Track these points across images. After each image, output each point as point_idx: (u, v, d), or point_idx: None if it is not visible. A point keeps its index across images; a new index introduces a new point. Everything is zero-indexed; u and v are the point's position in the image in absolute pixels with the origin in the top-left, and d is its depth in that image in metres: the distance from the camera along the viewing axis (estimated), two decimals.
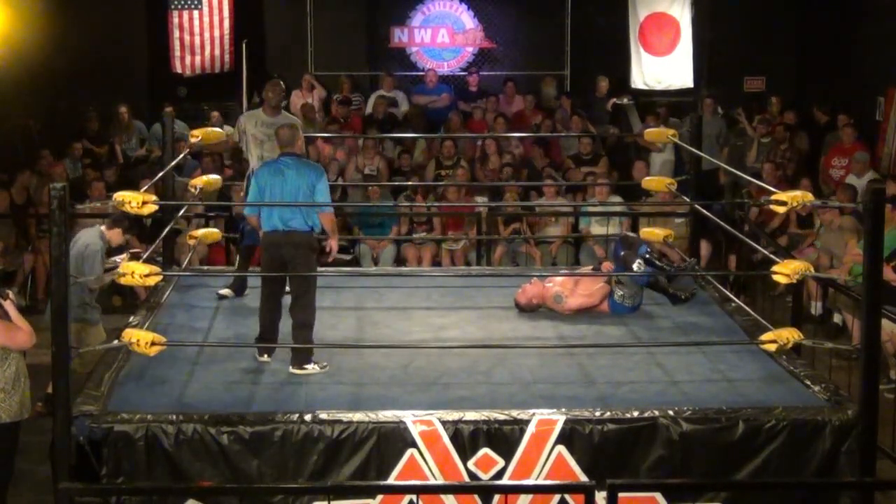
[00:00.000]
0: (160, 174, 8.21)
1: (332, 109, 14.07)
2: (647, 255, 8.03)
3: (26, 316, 6.50)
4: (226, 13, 15.02)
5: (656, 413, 6.07)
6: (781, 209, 6.44)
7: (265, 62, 15.65)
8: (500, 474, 5.99)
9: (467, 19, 15.80)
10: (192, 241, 8.87)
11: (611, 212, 11.44)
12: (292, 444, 5.96)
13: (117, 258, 7.87)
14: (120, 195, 6.22)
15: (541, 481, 5.98)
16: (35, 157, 12.64)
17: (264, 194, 6.96)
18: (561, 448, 5.99)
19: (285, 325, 7.00)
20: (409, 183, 12.07)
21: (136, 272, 6.15)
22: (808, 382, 6.56)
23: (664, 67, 14.83)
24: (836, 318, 10.11)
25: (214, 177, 8.51)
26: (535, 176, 12.38)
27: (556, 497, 6.07)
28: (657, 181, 8.82)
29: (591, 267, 8.72)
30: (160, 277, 6.34)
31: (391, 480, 5.95)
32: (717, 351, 7.05)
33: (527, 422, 5.99)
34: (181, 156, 8.98)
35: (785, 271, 6.23)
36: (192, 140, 8.38)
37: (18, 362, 6.37)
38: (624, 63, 14.88)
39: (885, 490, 6.93)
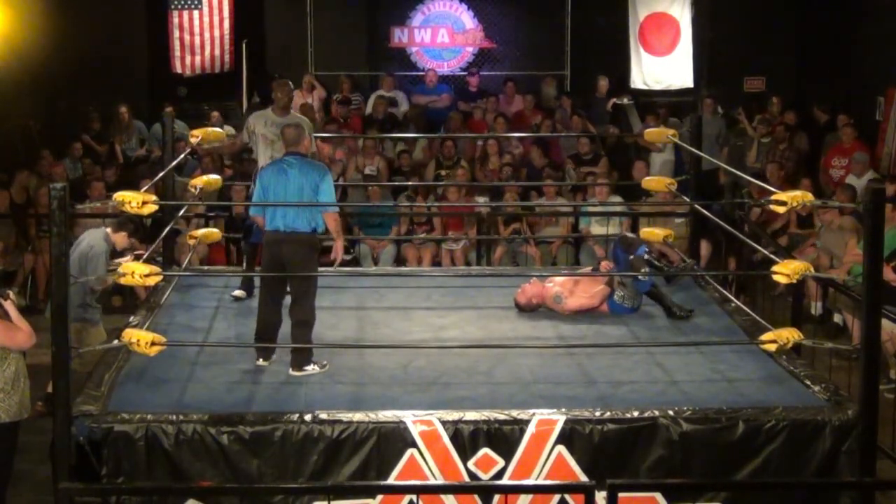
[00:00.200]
0: (160, 174, 8.20)
1: (332, 109, 14.07)
2: (647, 256, 8.03)
3: (26, 316, 6.50)
4: (226, 13, 15.03)
5: (656, 413, 6.07)
6: (781, 209, 6.44)
7: (265, 62, 15.67)
8: (500, 474, 5.99)
9: (467, 19, 15.81)
10: (192, 241, 8.87)
11: (611, 212, 11.44)
12: (292, 444, 5.96)
13: (121, 261, 7.87)
14: (120, 195, 6.22)
15: (541, 481, 5.98)
16: (35, 157, 12.65)
17: (268, 194, 6.94)
18: (561, 448, 5.99)
19: (285, 325, 7.00)
20: (409, 183, 12.07)
21: (136, 272, 6.15)
22: (808, 382, 6.56)
23: (664, 67, 14.84)
24: (836, 318, 10.11)
25: (214, 177, 8.51)
26: (534, 176, 12.39)
27: (556, 497, 6.07)
28: (657, 181, 8.81)
29: (590, 268, 8.71)
30: (160, 277, 6.34)
31: (391, 480, 5.95)
32: (717, 351, 7.05)
33: (527, 422, 5.99)
34: (182, 155, 8.97)
35: (785, 271, 6.23)
36: (192, 140, 8.38)
37: (18, 362, 6.37)
38: (624, 63, 14.89)
39: (885, 490, 6.93)
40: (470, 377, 6.70)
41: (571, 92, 15.01)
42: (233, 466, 5.96)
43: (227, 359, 6.92)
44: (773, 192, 6.53)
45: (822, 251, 10.50)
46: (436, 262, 11.55)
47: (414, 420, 5.98)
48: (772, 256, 6.75)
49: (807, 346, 6.85)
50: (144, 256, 6.77)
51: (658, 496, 5.95)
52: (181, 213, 9.00)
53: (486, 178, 12.49)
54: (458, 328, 7.66)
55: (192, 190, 8.10)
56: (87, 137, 13.62)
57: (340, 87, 14.47)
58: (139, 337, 6.18)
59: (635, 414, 6.07)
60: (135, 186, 8.81)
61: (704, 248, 10.57)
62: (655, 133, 9.23)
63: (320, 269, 8.09)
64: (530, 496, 6.05)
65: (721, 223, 8.18)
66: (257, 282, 8.28)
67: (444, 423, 5.98)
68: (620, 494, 5.02)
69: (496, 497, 5.97)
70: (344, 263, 10.94)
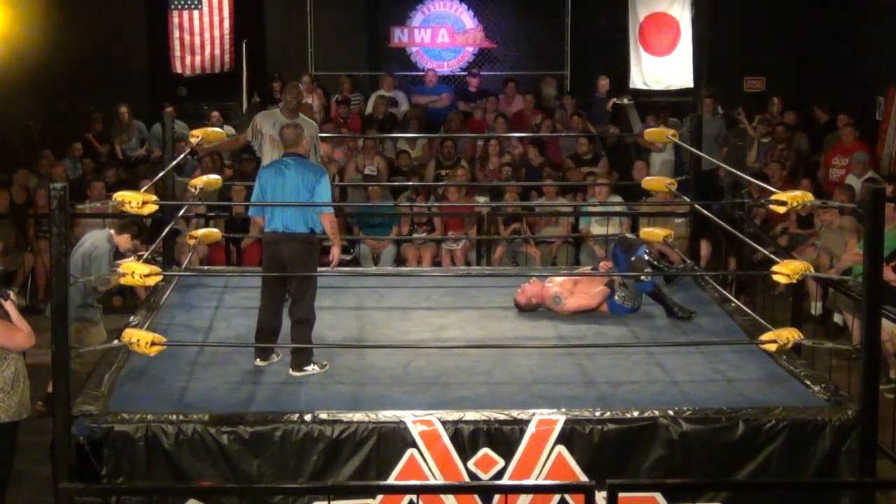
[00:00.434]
0: (160, 174, 8.20)
1: (332, 110, 14.07)
2: (647, 257, 8.03)
3: (26, 316, 6.50)
4: (226, 13, 15.03)
5: (656, 413, 6.07)
6: (781, 209, 6.44)
7: (265, 62, 15.67)
8: (500, 474, 5.99)
9: (467, 19, 15.81)
10: (192, 241, 8.87)
11: (611, 212, 11.44)
12: (292, 444, 5.96)
13: (124, 262, 7.88)
14: (120, 195, 6.22)
15: (541, 481, 5.98)
16: (35, 157, 12.65)
17: (266, 195, 6.96)
18: (561, 448, 5.99)
19: (285, 325, 7.00)
20: (409, 183, 12.07)
21: (136, 272, 6.15)
22: (808, 382, 6.56)
23: (664, 67, 14.83)
24: (836, 318, 10.12)
25: (214, 177, 8.50)
26: (532, 175, 12.38)
27: (556, 497, 6.07)
28: (657, 181, 8.81)
29: (589, 267, 8.70)
30: (160, 277, 6.34)
31: (391, 480, 5.95)
32: (717, 351, 7.05)
33: (527, 422, 5.99)
34: (181, 155, 8.97)
35: (785, 271, 6.22)
36: (193, 140, 8.38)
37: (17, 362, 6.37)
38: (624, 63, 14.88)
39: (885, 490, 6.94)
40: (470, 377, 6.70)
41: (571, 92, 15.01)
42: (233, 466, 5.96)
43: (227, 359, 6.92)
44: (773, 192, 6.53)
45: (822, 251, 10.50)
46: (436, 262, 11.56)
47: (414, 420, 5.98)
48: (772, 256, 6.74)
49: (807, 346, 6.85)
50: (144, 256, 6.77)
51: (658, 496, 5.95)
52: (181, 213, 8.99)
53: (486, 178, 12.49)
54: (458, 328, 7.66)
55: (192, 190, 8.10)
56: (89, 136, 13.62)
57: (340, 87, 14.47)
58: (139, 337, 6.17)
59: (635, 414, 6.07)
60: (135, 186, 8.84)
61: (704, 248, 10.57)
62: (655, 133, 9.23)
63: (320, 269, 8.10)
64: (530, 496, 6.05)
65: (721, 223, 8.17)
66: (254, 284, 8.29)
67: (444, 423, 5.98)
68: (620, 494, 5.02)
69: (496, 497, 5.97)
70: (344, 263, 11.00)
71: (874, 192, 5.91)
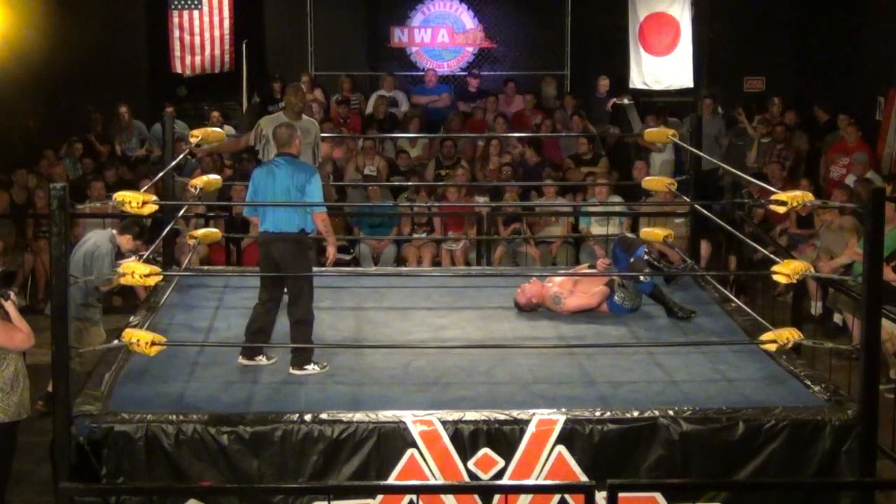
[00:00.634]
0: (160, 174, 8.21)
1: (332, 110, 14.07)
2: (646, 257, 8.03)
3: (26, 316, 6.50)
4: (226, 13, 15.04)
5: (656, 413, 6.07)
6: (781, 209, 6.44)
7: (265, 62, 15.67)
8: (500, 474, 5.99)
9: (467, 19, 15.81)
10: (192, 241, 8.87)
11: (611, 212, 11.45)
12: (292, 444, 5.96)
13: (126, 262, 7.88)
14: (120, 195, 6.22)
15: (541, 481, 5.98)
16: (35, 157, 12.64)
17: (258, 195, 7.01)
18: (561, 448, 5.99)
19: (283, 325, 7.00)
20: (409, 183, 12.07)
21: (136, 272, 6.15)
22: (808, 382, 6.56)
23: (664, 67, 14.84)
24: (836, 318, 10.11)
25: (214, 177, 8.50)
26: (529, 175, 12.38)
27: (556, 497, 6.07)
28: (657, 181, 8.81)
29: (586, 265, 8.68)
30: (160, 277, 6.34)
31: (391, 480, 5.95)
32: (717, 351, 7.05)
33: (527, 422, 5.99)
34: (181, 155, 8.97)
35: (785, 271, 6.22)
36: (192, 140, 8.38)
37: (17, 363, 6.37)
38: (624, 63, 14.89)
39: (885, 490, 6.93)
40: (470, 377, 6.70)
41: (571, 92, 15.02)
42: (233, 466, 5.96)
43: (227, 359, 6.92)
44: (772, 192, 6.53)
45: (822, 251, 10.50)
46: (436, 262, 11.56)
47: (414, 420, 5.98)
48: (772, 256, 6.74)
49: (807, 346, 6.85)
50: (144, 256, 6.77)
51: (658, 496, 5.95)
52: (181, 213, 8.99)
53: (486, 178, 12.49)
54: (458, 328, 7.66)
55: (192, 190, 8.10)
56: (90, 136, 13.62)
57: (340, 87, 14.47)
58: (139, 337, 6.17)
59: (635, 414, 6.06)
60: (135, 186, 8.83)
61: (704, 248, 10.57)
62: (655, 133, 9.23)
63: (320, 269, 8.10)
64: (530, 496, 6.05)
65: (721, 223, 8.18)
66: (252, 283, 8.28)
67: (444, 423, 5.97)
68: (620, 494, 5.03)
69: (496, 497, 5.97)
70: (344, 263, 11.01)
71: (874, 192, 5.91)
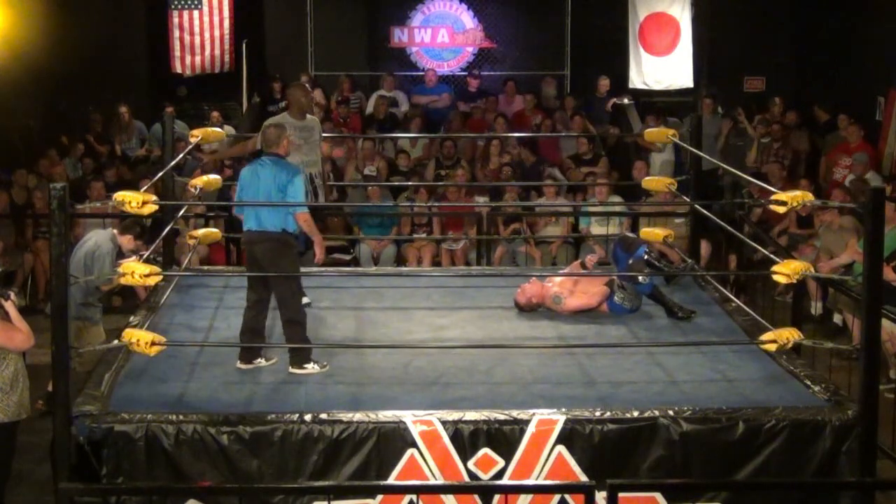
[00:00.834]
0: (160, 174, 8.21)
1: (332, 110, 14.07)
2: (647, 256, 8.03)
3: (26, 316, 6.50)
4: (226, 13, 15.04)
5: (656, 413, 6.07)
6: (781, 209, 6.44)
7: (265, 62, 15.68)
8: (500, 474, 5.99)
9: (467, 19, 15.81)
10: (191, 241, 8.87)
11: (611, 212, 11.45)
12: (292, 444, 5.96)
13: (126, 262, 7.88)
14: (120, 195, 6.22)
15: (541, 481, 5.98)
16: (35, 157, 12.65)
17: (243, 194, 7.03)
18: (561, 448, 5.99)
19: (278, 327, 7.00)
20: (410, 183, 12.07)
21: (136, 272, 6.15)
22: (808, 382, 6.56)
23: (664, 67, 14.84)
24: (836, 318, 10.12)
25: (214, 177, 8.51)
26: (527, 175, 12.37)
27: (556, 497, 6.07)
28: (657, 181, 8.81)
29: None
30: (160, 277, 6.34)
31: (391, 480, 5.95)
32: (717, 351, 7.05)
33: (527, 422, 5.99)
34: (181, 155, 8.98)
35: (785, 271, 6.22)
36: (192, 140, 8.38)
37: (17, 363, 6.37)
38: (624, 63, 14.89)
39: (885, 490, 6.93)
40: (470, 377, 6.70)
41: (571, 92, 15.02)
42: (233, 466, 5.96)
43: (227, 359, 6.91)
44: (772, 192, 6.53)
45: (822, 251, 10.50)
46: (436, 262, 11.56)
47: (414, 420, 5.98)
48: (772, 256, 6.74)
49: (807, 346, 6.85)
50: (144, 256, 6.77)
51: (658, 496, 5.95)
52: (181, 213, 9.00)
53: (486, 178, 12.49)
54: (458, 328, 7.66)
55: (192, 190, 8.11)
56: (90, 137, 13.62)
57: (340, 87, 14.47)
58: (139, 337, 6.17)
59: (635, 414, 6.06)
60: (135, 186, 8.83)
61: (704, 248, 10.57)
62: (655, 133, 9.23)
63: (321, 269, 8.10)
64: (530, 496, 6.05)
65: (721, 223, 8.17)
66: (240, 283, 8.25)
67: (444, 423, 5.97)
68: (620, 494, 5.03)
69: (496, 497, 5.97)
70: (344, 263, 11.01)
71: (874, 192, 5.91)
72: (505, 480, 5.95)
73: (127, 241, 8.17)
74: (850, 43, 14.06)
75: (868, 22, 13.77)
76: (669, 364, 6.89)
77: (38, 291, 11.36)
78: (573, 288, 7.96)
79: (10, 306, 6.28)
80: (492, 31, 15.76)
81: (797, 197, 6.33)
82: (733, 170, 9.05)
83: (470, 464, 5.98)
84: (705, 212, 8.34)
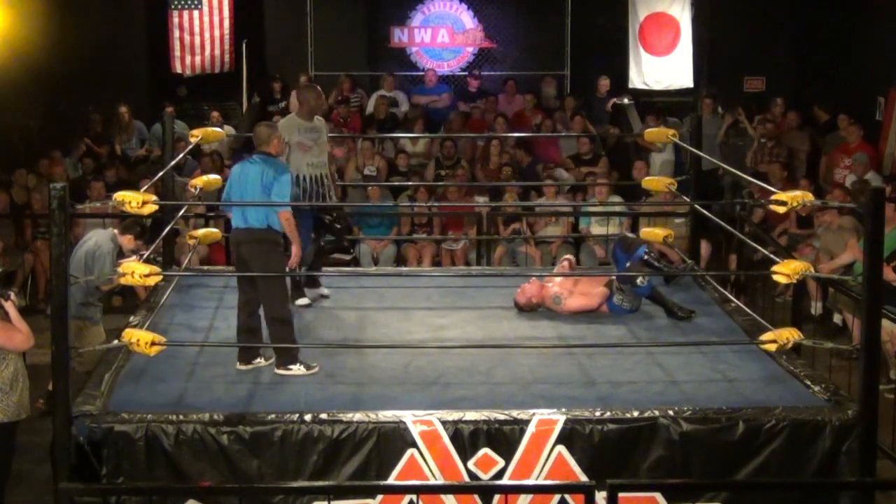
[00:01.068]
0: (160, 174, 8.21)
1: (332, 109, 14.07)
2: (647, 257, 8.02)
3: (26, 316, 6.51)
4: (226, 13, 15.04)
5: (656, 413, 6.07)
6: (781, 209, 6.44)
7: (265, 62, 15.67)
8: (500, 474, 5.99)
9: (467, 19, 15.81)
10: (191, 241, 8.87)
11: (611, 212, 11.45)
12: (292, 444, 5.96)
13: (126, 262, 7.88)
14: (120, 195, 6.22)
15: (541, 481, 5.98)
16: (35, 157, 12.64)
17: (231, 191, 7.05)
18: (561, 448, 5.99)
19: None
20: (409, 183, 12.07)
21: (136, 272, 6.15)
22: (808, 382, 6.56)
23: (664, 67, 14.84)
24: (836, 318, 10.11)
25: (214, 177, 8.49)
26: (525, 176, 12.37)
27: (556, 497, 6.07)
28: (657, 181, 8.80)
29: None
30: (160, 277, 6.34)
31: (391, 480, 5.95)
32: (717, 351, 7.05)
33: (527, 422, 5.99)
34: (181, 155, 8.97)
35: (785, 271, 6.22)
36: (192, 140, 8.38)
37: (17, 363, 6.37)
38: (624, 63, 14.89)
39: (885, 490, 6.93)
40: (470, 377, 6.70)
41: (571, 92, 15.02)
42: (233, 466, 5.96)
43: (227, 359, 6.91)
44: (772, 192, 6.53)
45: (821, 251, 10.49)
46: (436, 262, 11.56)
47: (414, 420, 5.98)
48: (772, 256, 6.74)
49: (807, 346, 6.85)
50: (144, 256, 6.77)
51: (658, 496, 5.95)
52: (181, 213, 9.00)
53: (486, 178, 12.49)
54: (458, 328, 7.66)
55: (192, 190, 8.11)
56: (87, 140, 13.60)
57: (340, 87, 14.47)
58: (139, 337, 6.17)
59: (635, 414, 6.06)
60: (135, 186, 8.83)
61: (704, 248, 10.57)
62: (655, 133, 9.23)
63: (325, 269, 8.09)
64: (530, 496, 6.05)
65: (721, 223, 8.17)
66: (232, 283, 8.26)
67: (444, 423, 5.97)
68: (620, 494, 5.03)
69: (496, 497, 5.97)
70: (344, 263, 11.01)
71: (874, 192, 5.91)
72: (505, 480, 5.95)
73: (128, 241, 8.18)
74: (850, 43, 14.06)
75: (868, 22, 13.76)
76: (669, 364, 6.89)
77: (38, 291, 11.35)
78: (573, 288, 7.96)
79: (10, 307, 6.28)
80: (492, 31, 15.76)
81: (797, 197, 6.33)
82: (733, 170, 9.05)
83: (470, 464, 5.99)
84: (705, 212, 8.33)
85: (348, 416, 6.01)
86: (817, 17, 14.86)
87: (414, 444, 5.96)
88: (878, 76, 13.17)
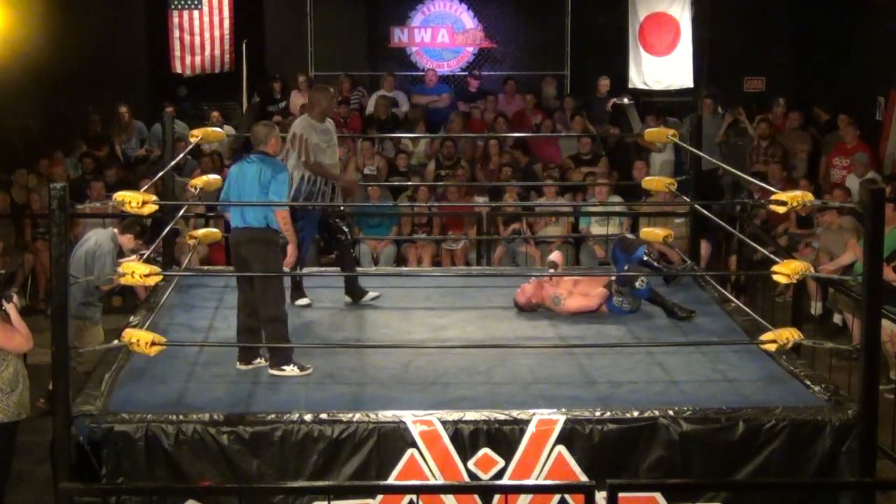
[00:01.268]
0: (160, 174, 8.21)
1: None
2: (646, 257, 8.02)
3: (25, 316, 6.51)
4: (226, 13, 15.04)
5: (656, 413, 6.07)
6: (781, 209, 6.44)
7: (265, 62, 15.67)
8: (500, 474, 5.99)
9: (467, 19, 15.81)
10: (191, 241, 8.87)
11: (611, 212, 11.44)
12: (292, 444, 5.96)
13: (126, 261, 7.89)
14: (120, 195, 6.21)
15: (541, 481, 5.98)
16: (35, 157, 12.64)
17: (230, 190, 7.06)
18: (561, 448, 5.99)
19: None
20: (410, 183, 12.07)
21: (136, 272, 6.15)
22: (808, 382, 6.56)
23: (664, 67, 14.84)
24: (836, 318, 10.11)
25: (214, 177, 8.50)
26: (523, 176, 12.37)
27: (556, 497, 6.07)
28: (657, 181, 8.80)
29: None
30: (160, 277, 6.34)
31: (391, 480, 5.95)
32: (717, 351, 7.05)
33: (527, 422, 5.99)
34: (181, 155, 8.97)
35: (785, 271, 6.22)
36: (192, 140, 8.38)
37: (17, 363, 6.37)
38: (624, 63, 14.89)
39: (885, 490, 6.93)
40: (470, 377, 6.70)
41: (571, 92, 15.01)
42: (233, 466, 5.96)
43: (227, 359, 6.91)
44: (772, 192, 6.53)
45: (821, 251, 10.49)
46: (436, 262, 11.55)
47: (414, 420, 5.98)
48: (772, 256, 6.74)
49: (807, 346, 6.85)
50: (144, 256, 6.77)
51: (658, 496, 5.95)
52: (181, 213, 9.00)
53: (486, 178, 12.49)
54: (458, 328, 7.66)
55: (192, 190, 8.11)
56: (84, 144, 13.58)
57: (340, 87, 14.47)
58: (139, 337, 6.17)
59: (635, 414, 6.06)
60: (135, 186, 8.83)
61: (704, 248, 10.57)
62: (655, 133, 9.23)
63: (322, 269, 8.10)
64: (530, 496, 6.05)
65: (721, 223, 8.17)
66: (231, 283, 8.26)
67: (444, 423, 5.97)
68: (620, 494, 5.03)
69: (496, 497, 5.97)
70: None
71: (874, 192, 5.91)
72: (505, 480, 5.95)
73: (128, 241, 8.17)
74: (850, 43, 14.05)
75: (868, 22, 13.76)
76: (669, 364, 6.89)
77: (38, 291, 11.35)
78: (573, 289, 7.96)
79: (11, 308, 6.28)
80: (492, 31, 15.75)
81: (797, 197, 6.33)
82: (733, 170, 9.05)
83: (470, 464, 5.98)
84: (705, 212, 8.33)
85: (348, 416, 6.01)
86: (817, 17, 14.86)
87: (414, 444, 5.96)
88: (878, 76, 13.17)
